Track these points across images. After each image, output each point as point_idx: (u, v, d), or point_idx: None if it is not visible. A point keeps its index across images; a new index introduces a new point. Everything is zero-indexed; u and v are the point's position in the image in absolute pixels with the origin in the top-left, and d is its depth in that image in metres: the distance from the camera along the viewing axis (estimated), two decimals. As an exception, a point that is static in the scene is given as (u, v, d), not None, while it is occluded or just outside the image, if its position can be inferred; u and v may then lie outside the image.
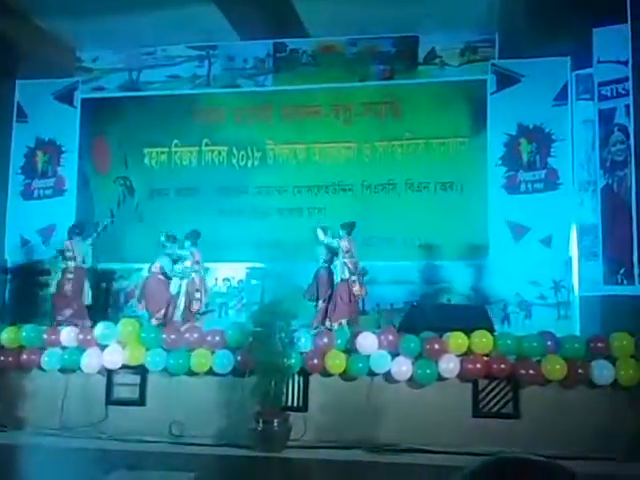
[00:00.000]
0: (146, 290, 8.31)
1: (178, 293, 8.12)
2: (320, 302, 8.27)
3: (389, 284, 9.37)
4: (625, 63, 8.31)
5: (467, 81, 9.94)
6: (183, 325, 7.84)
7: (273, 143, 10.29)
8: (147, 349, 7.16)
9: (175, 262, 8.32)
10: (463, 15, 9.49)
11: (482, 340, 6.80)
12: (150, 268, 8.36)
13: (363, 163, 10.02)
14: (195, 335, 7.29)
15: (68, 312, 8.18)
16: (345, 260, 8.18)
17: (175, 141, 10.52)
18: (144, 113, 10.56)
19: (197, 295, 8.15)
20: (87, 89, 10.83)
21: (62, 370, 7.24)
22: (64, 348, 7.31)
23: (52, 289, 8.47)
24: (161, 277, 8.29)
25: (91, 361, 7.14)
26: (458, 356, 6.74)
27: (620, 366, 6.54)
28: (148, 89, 10.79)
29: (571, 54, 9.27)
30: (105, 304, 9.75)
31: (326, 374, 6.88)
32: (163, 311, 8.12)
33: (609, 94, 8.63)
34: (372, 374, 6.82)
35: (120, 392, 7.19)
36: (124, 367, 7.14)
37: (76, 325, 7.80)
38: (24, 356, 7.32)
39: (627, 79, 8.29)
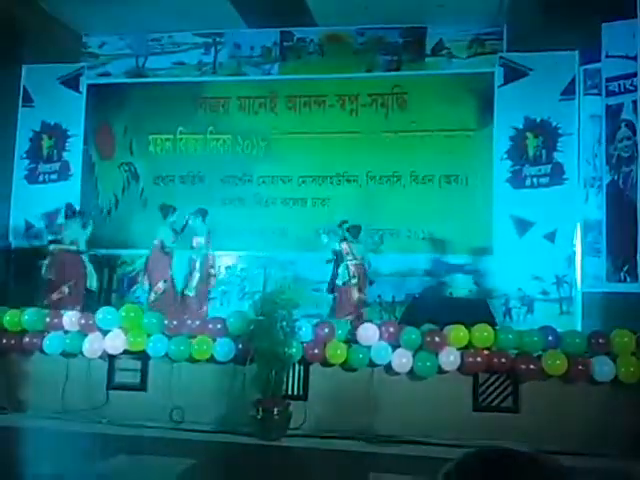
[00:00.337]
0: (148, 264, 8.39)
1: (192, 269, 8.20)
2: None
3: (391, 276, 9.38)
4: (634, 58, 8.27)
5: (474, 73, 9.92)
6: (197, 302, 7.95)
7: (278, 132, 10.27)
8: (149, 335, 7.18)
9: (176, 233, 8.37)
10: (471, 7, 9.47)
11: (483, 334, 6.79)
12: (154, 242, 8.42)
13: (368, 154, 10.00)
14: (197, 322, 7.30)
15: (55, 296, 8.22)
16: (347, 263, 8.21)
17: (180, 128, 10.52)
18: (150, 99, 10.56)
19: (212, 271, 8.44)
20: (93, 75, 10.86)
21: (64, 354, 7.26)
22: (66, 332, 7.32)
23: (43, 272, 8.50)
24: (161, 251, 8.34)
25: (93, 346, 7.15)
26: (459, 349, 6.74)
27: (621, 363, 6.53)
28: (154, 76, 10.79)
29: (579, 48, 9.24)
30: (108, 289, 9.79)
31: (327, 364, 6.90)
32: (161, 285, 8.20)
33: (617, 89, 8.59)
34: (373, 365, 6.82)
35: (121, 377, 7.21)
36: (126, 352, 7.16)
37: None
38: (26, 339, 7.33)
39: (635, 75, 8.25)
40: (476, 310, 7.57)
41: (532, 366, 6.61)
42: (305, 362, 6.91)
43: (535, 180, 9.44)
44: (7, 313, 7.49)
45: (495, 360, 6.68)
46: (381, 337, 6.89)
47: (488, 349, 6.78)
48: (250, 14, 10.21)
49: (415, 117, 10.00)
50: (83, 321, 7.29)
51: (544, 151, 9.47)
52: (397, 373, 6.77)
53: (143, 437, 6.39)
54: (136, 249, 9.63)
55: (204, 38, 10.74)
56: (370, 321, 7.38)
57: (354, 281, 8.28)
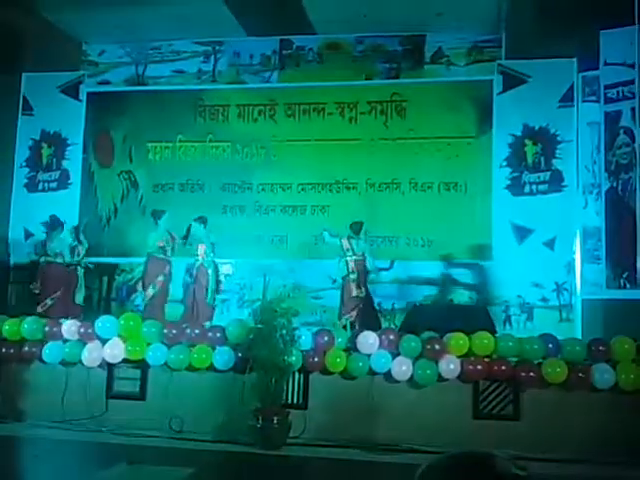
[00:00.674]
0: (143, 270, 8.50)
1: (207, 279, 8.39)
2: None
3: (391, 283, 9.37)
4: (632, 66, 8.30)
5: (473, 81, 9.94)
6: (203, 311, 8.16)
7: (278, 140, 10.28)
8: (148, 344, 7.16)
9: (173, 238, 8.41)
10: (470, 15, 9.50)
11: (483, 341, 6.78)
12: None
13: (367, 162, 10.01)
14: (196, 331, 7.29)
15: (40, 309, 8.29)
16: (347, 259, 8.19)
17: (180, 136, 10.53)
18: (149, 108, 10.58)
19: (221, 278, 8.65)
20: (93, 83, 10.87)
21: (63, 363, 7.24)
22: (65, 341, 7.31)
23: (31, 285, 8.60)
24: (153, 257, 8.37)
25: (92, 355, 7.14)
26: (459, 357, 6.72)
27: (621, 370, 6.52)
28: (154, 84, 10.81)
29: (578, 56, 9.25)
30: (107, 298, 9.79)
31: (326, 372, 6.88)
32: (150, 290, 8.22)
33: (615, 96, 8.61)
34: (372, 373, 6.81)
35: (120, 386, 7.20)
36: (125, 361, 7.15)
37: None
38: (25, 348, 7.33)
39: (633, 82, 8.27)
40: (476, 317, 7.57)
41: (532, 374, 6.60)
42: (305, 370, 6.89)
43: (534, 187, 9.44)
44: (6, 322, 7.49)
45: (495, 368, 6.67)
46: (381, 345, 6.87)
47: (488, 357, 6.77)
48: (249, 22, 10.23)
49: (414, 124, 10.01)
50: (82, 330, 7.28)
51: (543, 158, 9.48)
52: (397, 381, 6.76)
53: (142, 446, 6.36)
54: (135, 257, 9.63)
55: (204, 46, 10.77)
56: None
57: (353, 276, 8.24)
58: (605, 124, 8.68)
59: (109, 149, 10.71)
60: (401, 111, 10.12)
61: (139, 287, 8.57)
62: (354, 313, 8.16)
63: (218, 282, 8.59)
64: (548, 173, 9.43)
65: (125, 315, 7.50)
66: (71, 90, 10.72)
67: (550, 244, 9.20)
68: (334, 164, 10.04)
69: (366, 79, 10.32)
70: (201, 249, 8.44)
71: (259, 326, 6.62)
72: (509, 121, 9.57)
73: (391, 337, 6.95)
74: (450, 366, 6.67)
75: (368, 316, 8.24)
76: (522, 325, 8.99)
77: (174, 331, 7.23)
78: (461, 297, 9.31)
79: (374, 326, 7.70)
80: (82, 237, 8.89)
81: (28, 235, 10.27)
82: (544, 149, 9.48)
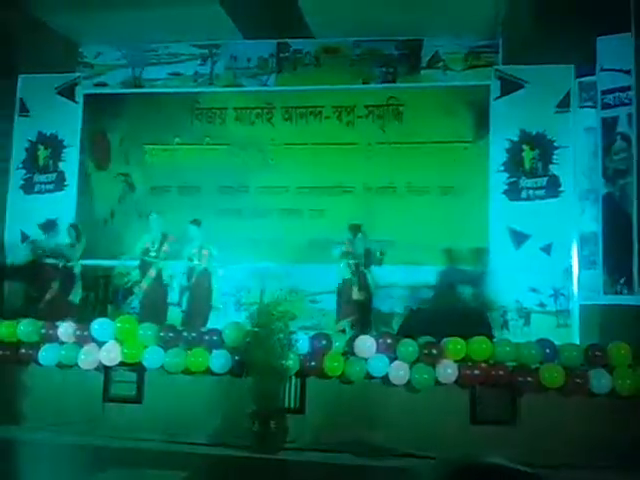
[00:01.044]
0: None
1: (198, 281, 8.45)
2: None
3: (388, 288, 9.36)
4: (628, 72, 8.34)
5: (470, 86, 9.96)
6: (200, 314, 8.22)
7: (275, 143, 10.28)
8: (144, 347, 7.14)
9: (166, 239, 8.44)
10: (467, 20, 9.51)
11: (481, 346, 6.79)
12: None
13: (364, 165, 10.01)
14: (193, 334, 7.27)
15: (36, 310, 8.25)
16: (347, 262, 8.19)
17: (176, 139, 10.51)
18: (146, 110, 10.56)
19: (218, 281, 8.71)
20: (89, 85, 10.84)
21: (59, 366, 7.21)
22: (62, 344, 7.28)
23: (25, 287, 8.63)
24: (144, 260, 8.47)
25: (88, 357, 7.11)
26: (456, 362, 6.72)
27: (618, 375, 6.54)
28: (150, 86, 10.78)
29: (575, 61, 9.28)
30: (104, 301, 9.75)
31: (324, 376, 6.87)
32: (137, 293, 8.34)
33: (612, 102, 8.65)
34: (370, 378, 6.80)
35: (117, 389, 7.17)
36: (121, 364, 7.12)
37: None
38: (21, 351, 7.29)
39: (630, 88, 8.30)
40: (474, 322, 7.57)
41: (529, 379, 6.60)
42: (302, 374, 6.88)
43: (531, 192, 9.45)
44: (2, 324, 7.45)
45: (493, 373, 6.68)
46: (378, 349, 6.87)
47: (486, 362, 6.77)
48: (246, 25, 10.22)
49: (411, 129, 10.02)
50: (79, 332, 7.26)
51: (540, 163, 9.49)
52: (394, 385, 6.75)
53: (139, 449, 6.34)
54: (132, 260, 9.58)
55: (201, 49, 10.75)
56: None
57: (353, 280, 8.20)
58: (602, 130, 8.72)
59: (106, 151, 10.68)
60: (398, 115, 10.13)
61: (135, 289, 8.57)
62: (353, 317, 8.14)
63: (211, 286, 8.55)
64: (545, 178, 9.45)
65: (121, 318, 7.48)
66: (67, 92, 10.69)
67: (547, 249, 9.22)
68: (331, 168, 10.03)
69: (363, 83, 10.32)
70: (204, 253, 8.43)
71: (256, 329, 6.61)
72: (506, 126, 9.59)
73: (388, 341, 6.95)
74: (447, 371, 6.67)
75: (367, 320, 8.23)
76: (519, 330, 8.99)
77: (170, 334, 7.21)
78: (458, 302, 9.31)
79: (371, 330, 7.69)
80: (79, 238, 8.84)
81: (24, 237, 10.23)
82: (541, 154, 9.49)
